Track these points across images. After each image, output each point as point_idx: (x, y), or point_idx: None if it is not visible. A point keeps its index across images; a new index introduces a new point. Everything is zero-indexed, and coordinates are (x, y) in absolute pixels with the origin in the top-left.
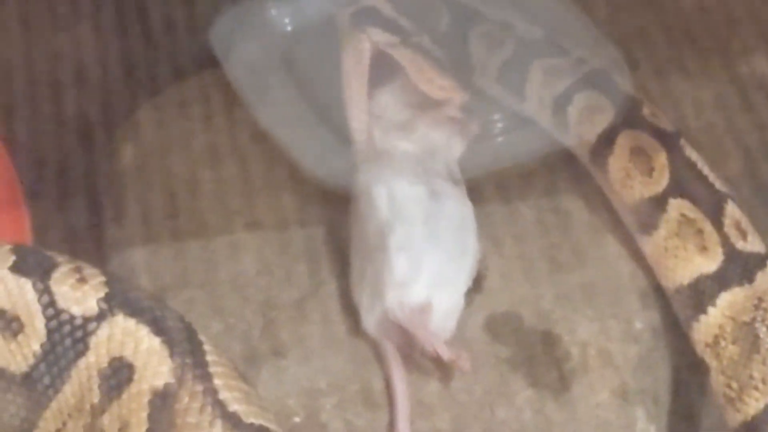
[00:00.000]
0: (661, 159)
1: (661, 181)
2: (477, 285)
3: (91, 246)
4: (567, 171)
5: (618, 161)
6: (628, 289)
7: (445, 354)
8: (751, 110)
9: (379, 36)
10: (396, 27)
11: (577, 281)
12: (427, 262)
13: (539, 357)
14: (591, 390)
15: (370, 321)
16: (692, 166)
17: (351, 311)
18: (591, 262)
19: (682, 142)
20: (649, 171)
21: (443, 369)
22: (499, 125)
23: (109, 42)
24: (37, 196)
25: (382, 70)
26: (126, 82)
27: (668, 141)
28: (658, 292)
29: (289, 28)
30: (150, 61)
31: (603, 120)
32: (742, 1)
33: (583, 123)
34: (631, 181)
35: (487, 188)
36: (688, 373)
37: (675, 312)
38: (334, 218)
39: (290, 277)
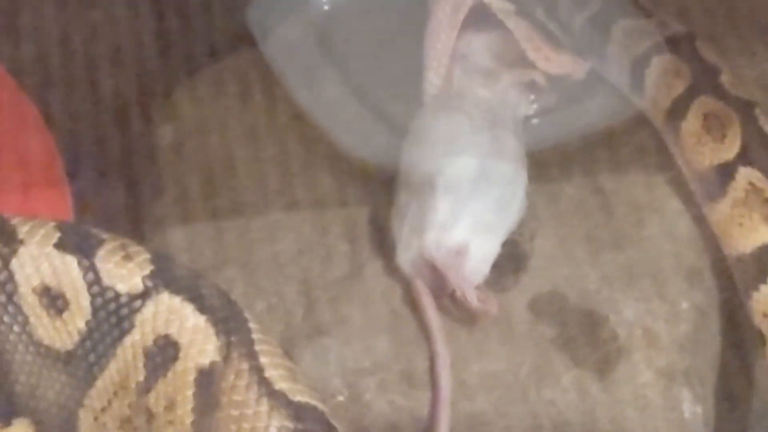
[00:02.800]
0: (735, 127)
1: (732, 148)
2: (521, 264)
3: (129, 225)
4: (607, 151)
5: (691, 126)
6: (673, 270)
7: (474, 301)
8: None
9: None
10: None
11: (621, 262)
12: (471, 207)
13: (584, 337)
14: (636, 370)
15: (405, 257)
16: (765, 136)
17: (393, 291)
18: (634, 243)
19: (758, 111)
20: (721, 138)
21: (470, 315)
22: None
23: (145, 20)
24: (74, 174)
25: (480, 19)
26: (162, 61)
27: (743, 110)
28: (703, 272)
29: (326, 7)
30: (186, 40)
31: (679, 84)
32: None
33: (660, 86)
34: (702, 147)
35: (528, 169)
36: (735, 354)
37: (735, 282)
38: (374, 199)
39: (331, 257)
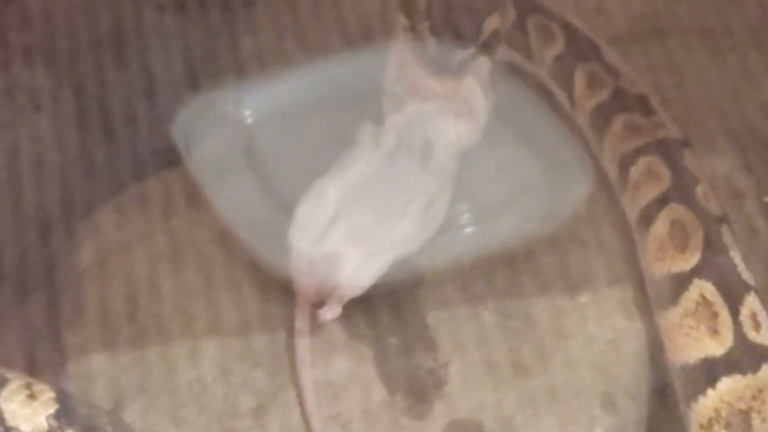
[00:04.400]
0: (698, 238)
1: (691, 260)
2: (436, 391)
3: (49, 346)
4: (529, 267)
5: (658, 231)
6: (591, 394)
7: (330, 311)
8: None
9: (402, 20)
10: (411, 11)
11: (541, 386)
12: (347, 217)
13: None
14: None
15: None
16: (725, 252)
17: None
18: (554, 367)
19: (725, 228)
20: (683, 248)
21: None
22: (466, 216)
23: (69, 136)
24: None
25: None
26: (86, 178)
27: (710, 223)
28: (619, 396)
29: (249, 121)
30: (111, 156)
31: (657, 188)
32: None
33: (639, 187)
34: (663, 254)
35: (449, 290)
36: None
37: (677, 389)
38: (292, 322)
39: (249, 384)
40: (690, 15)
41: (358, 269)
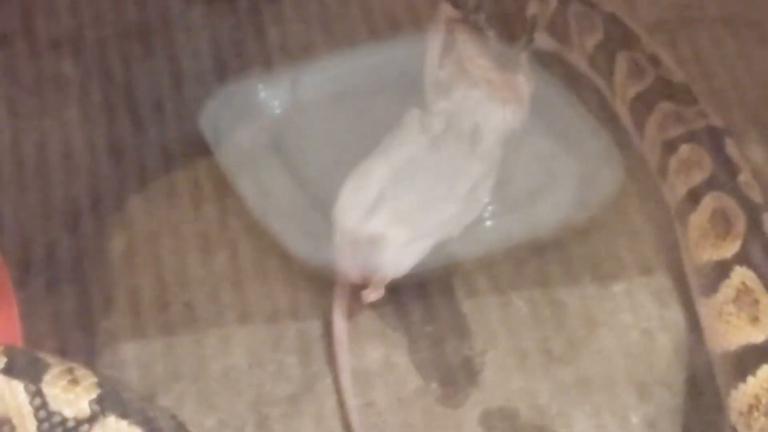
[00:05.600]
0: (739, 226)
1: (732, 247)
2: (472, 379)
3: (80, 336)
4: (559, 258)
5: (699, 219)
6: (625, 383)
7: (374, 293)
8: None
9: (448, 10)
10: (461, 2)
11: (574, 375)
12: (392, 199)
13: None
14: None
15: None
16: (766, 240)
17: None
18: (586, 356)
19: (766, 216)
20: (724, 235)
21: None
22: (490, 208)
23: (97, 127)
24: (24, 283)
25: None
26: (115, 168)
27: (752, 211)
28: (652, 386)
29: (278, 111)
30: (139, 146)
31: (698, 176)
32: None
33: (680, 174)
34: (705, 241)
35: (479, 280)
36: None
37: (716, 377)
38: (327, 309)
39: (283, 372)
40: (717, 5)
41: (401, 251)
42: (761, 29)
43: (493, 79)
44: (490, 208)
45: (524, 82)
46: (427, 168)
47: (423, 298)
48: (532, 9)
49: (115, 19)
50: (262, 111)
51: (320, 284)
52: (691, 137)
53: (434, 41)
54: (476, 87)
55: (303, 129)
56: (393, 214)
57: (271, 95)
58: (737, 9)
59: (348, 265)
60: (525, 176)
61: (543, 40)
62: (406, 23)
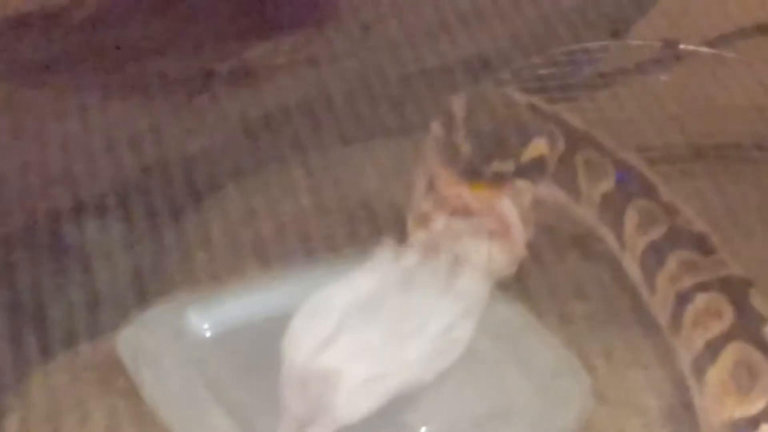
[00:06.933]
0: (765, 381)
1: (758, 403)
2: None
3: None
4: None
5: (718, 374)
6: None
7: None
8: None
9: (436, 129)
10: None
11: None
12: (350, 330)
13: None
14: None
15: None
16: None
17: None
18: None
19: None
20: (748, 390)
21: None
22: None
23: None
24: None
25: None
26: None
27: None
28: None
29: (208, 334)
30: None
31: (717, 326)
32: None
33: (697, 325)
34: (726, 398)
35: None
36: None
37: None
38: None
39: None
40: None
41: (358, 391)
42: None
43: (468, 202)
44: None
45: (513, 216)
46: (395, 302)
47: None
48: (539, 148)
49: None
50: (190, 334)
51: None
52: (709, 287)
53: (420, 174)
54: (459, 215)
55: (232, 353)
56: (351, 349)
57: (200, 318)
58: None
59: (294, 401)
60: (481, 399)
61: (547, 189)
62: (344, 246)
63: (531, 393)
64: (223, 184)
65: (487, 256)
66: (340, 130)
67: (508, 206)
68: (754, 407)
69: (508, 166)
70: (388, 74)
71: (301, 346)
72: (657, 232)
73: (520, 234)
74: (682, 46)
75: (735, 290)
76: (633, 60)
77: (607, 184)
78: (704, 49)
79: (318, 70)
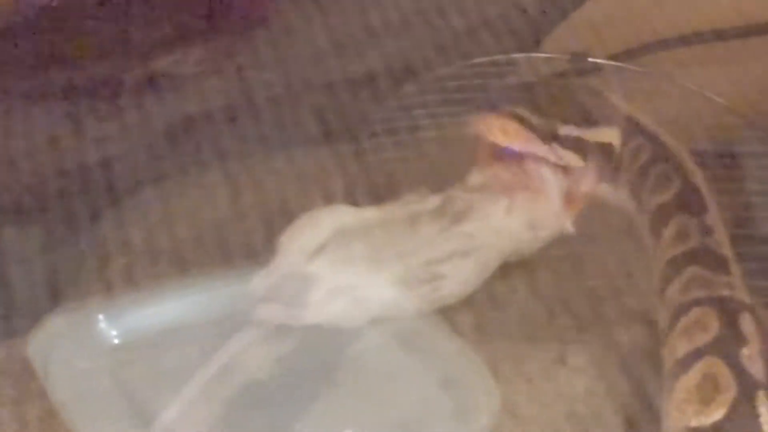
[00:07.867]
0: (728, 396)
1: (714, 415)
2: None
3: None
4: None
5: (686, 382)
6: None
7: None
8: None
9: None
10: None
11: None
12: (338, 244)
13: None
14: None
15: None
16: (755, 417)
17: None
18: None
19: (762, 394)
20: (709, 402)
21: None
22: None
23: None
24: None
25: None
26: None
27: (747, 386)
28: None
29: (116, 341)
30: None
31: (700, 340)
32: None
33: (683, 335)
34: (687, 406)
35: None
36: None
37: None
38: None
39: None
40: None
41: (329, 296)
42: None
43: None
44: None
45: (548, 179)
46: (390, 229)
47: None
48: (609, 134)
49: None
50: (100, 339)
51: None
52: (705, 302)
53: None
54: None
55: (143, 359)
56: (335, 260)
57: (110, 324)
58: None
59: (269, 305)
60: (393, 408)
61: (613, 193)
62: (263, 253)
63: (443, 404)
64: (143, 188)
65: (503, 210)
66: (261, 136)
67: (548, 173)
68: (710, 419)
69: (570, 130)
70: (312, 81)
71: (293, 250)
72: (685, 247)
73: (556, 197)
74: (590, 60)
75: (728, 309)
76: (541, 73)
77: (666, 196)
78: (611, 63)
79: (242, 76)
